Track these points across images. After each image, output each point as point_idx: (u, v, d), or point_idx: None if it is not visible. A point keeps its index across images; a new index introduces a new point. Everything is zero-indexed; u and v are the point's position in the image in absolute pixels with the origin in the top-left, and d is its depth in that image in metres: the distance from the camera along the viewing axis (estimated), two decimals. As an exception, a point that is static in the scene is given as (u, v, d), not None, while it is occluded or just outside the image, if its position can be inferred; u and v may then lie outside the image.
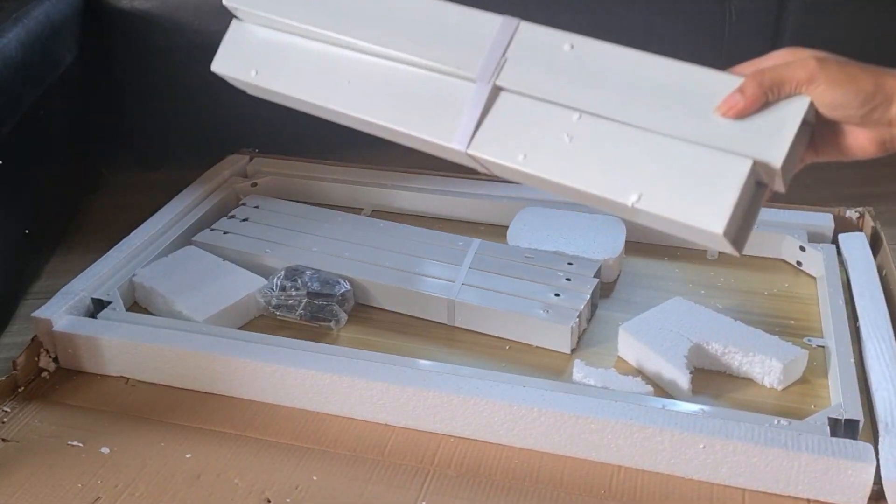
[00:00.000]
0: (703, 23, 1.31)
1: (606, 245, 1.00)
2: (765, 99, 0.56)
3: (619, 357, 0.88)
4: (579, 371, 0.83)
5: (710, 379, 0.84)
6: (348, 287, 0.95)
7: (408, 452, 0.77)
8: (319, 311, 0.93)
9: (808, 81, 0.55)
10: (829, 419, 0.73)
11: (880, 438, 0.72)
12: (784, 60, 0.58)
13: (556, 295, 0.92)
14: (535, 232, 1.04)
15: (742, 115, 0.57)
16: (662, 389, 0.83)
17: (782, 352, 0.82)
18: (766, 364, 0.82)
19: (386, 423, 0.80)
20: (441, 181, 1.17)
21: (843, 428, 0.73)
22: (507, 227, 1.06)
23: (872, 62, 0.55)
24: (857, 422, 0.73)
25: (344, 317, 0.94)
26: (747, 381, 0.84)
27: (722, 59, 1.31)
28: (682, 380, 0.80)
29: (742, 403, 0.80)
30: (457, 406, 0.77)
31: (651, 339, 0.85)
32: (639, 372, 0.85)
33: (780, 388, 0.82)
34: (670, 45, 1.32)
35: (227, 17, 1.26)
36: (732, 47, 1.32)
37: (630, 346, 0.87)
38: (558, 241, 1.01)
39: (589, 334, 0.92)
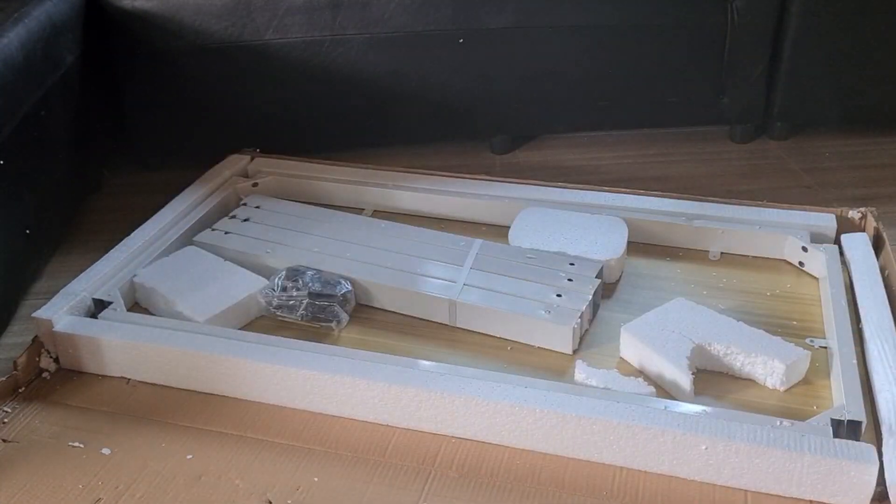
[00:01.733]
0: (705, 22, 1.31)
1: (608, 245, 1.00)
2: None
3: (620, 358, 0.88)
4: (581, 372, 0.82)
5: (713, 380, 0.84)
6: (349, 287, 0.95)
7: (409, 453, 0.77)
8: (321, 312, 0.93)
9: None
10: (832, 420, 0.73)
11: (884, 441, 0.72)
12: None
13: (558, 295, 0.92)
14: (537, 232, 1.03)
15: None
16: (664, 390, 0.82)
17: (785, 353, 0.82)
18: (768, 365, 0.82)
19: (387, 424, 0.80)
20: (442, 181, 1.17)
21: (845, 429, 0.73)
22: (508, 228, 1.06)
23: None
24: (859, 423, 0.73)
25: (345, 317, 0.93)
26: (749, 382, 0.84)
27: (724, 58, 1.32)
28: (684, 381, 0.80)
29: (744, 404, 0.80)
30: (458, 407, 0.77)
31: (653, 339, 0.84)
32: (640, 373, 0.85)
33: (782, 389, 0.82)
34: (672, 45, 1.33)
35: (227, 17, 1.26)
36: (734, 47, 1.32)
37: (632, 346, 0.86)
38: (560, 242, 1.01)
39: (591, 335, 0.92)
